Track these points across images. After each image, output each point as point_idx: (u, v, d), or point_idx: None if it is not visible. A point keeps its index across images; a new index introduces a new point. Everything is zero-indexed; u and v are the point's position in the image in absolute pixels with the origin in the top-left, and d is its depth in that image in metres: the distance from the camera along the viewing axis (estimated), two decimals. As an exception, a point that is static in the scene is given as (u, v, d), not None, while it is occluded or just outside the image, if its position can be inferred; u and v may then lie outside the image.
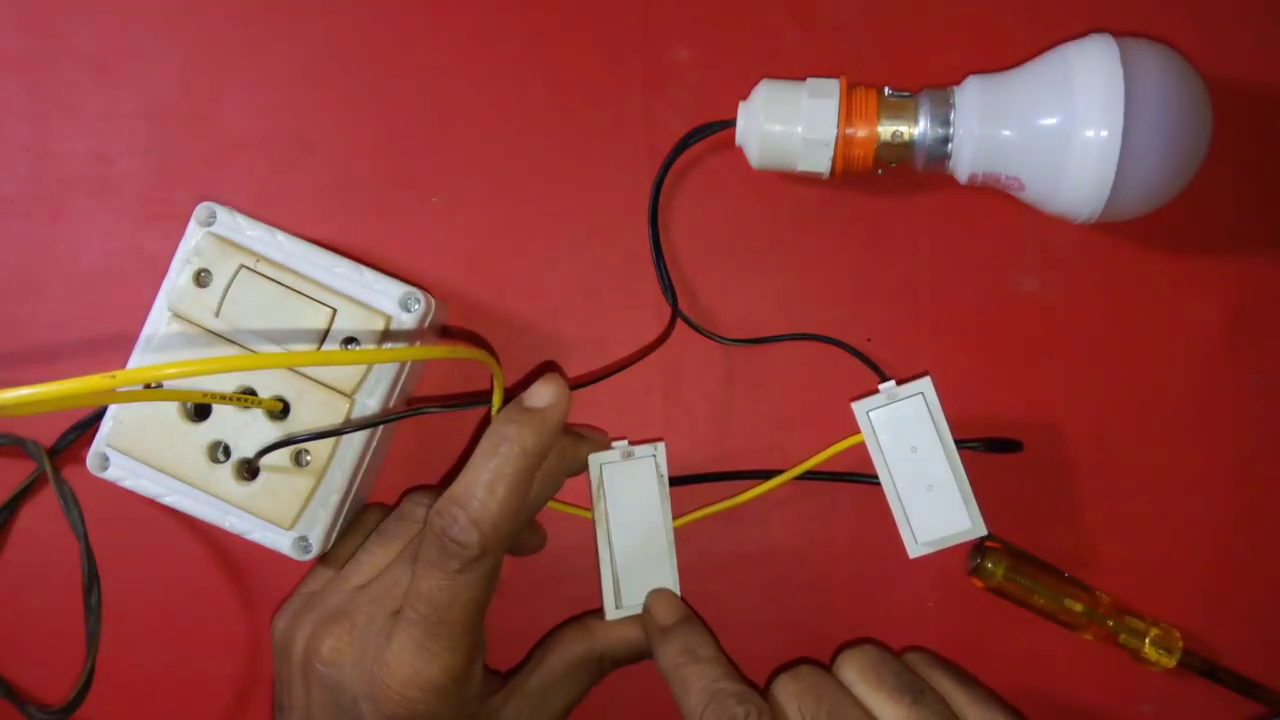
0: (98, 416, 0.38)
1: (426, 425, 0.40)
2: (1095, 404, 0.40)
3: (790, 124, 0.36)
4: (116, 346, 0.39)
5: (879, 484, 0.37)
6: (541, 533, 0.41)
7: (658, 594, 0.38)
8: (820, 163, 0.36)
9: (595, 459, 0.38)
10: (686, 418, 0.41)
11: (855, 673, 0.35)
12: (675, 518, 0.38)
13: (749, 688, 0.34)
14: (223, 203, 0.37)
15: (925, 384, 0.37)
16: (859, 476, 0.39)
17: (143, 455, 0.36)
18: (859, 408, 0.37)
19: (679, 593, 0.38)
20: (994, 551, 0.39)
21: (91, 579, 0.38)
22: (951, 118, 0.36)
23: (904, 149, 0.36)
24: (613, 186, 0.40)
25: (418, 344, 0.37)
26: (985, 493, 0.37)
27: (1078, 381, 0.40)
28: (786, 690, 0.34)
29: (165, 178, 0.41)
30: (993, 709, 0.34)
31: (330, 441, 0.36)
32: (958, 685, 0.35)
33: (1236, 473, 0.40)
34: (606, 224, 0.41)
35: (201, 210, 0.37)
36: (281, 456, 0.36)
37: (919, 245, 0.40)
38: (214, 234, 0.37)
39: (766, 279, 0.40)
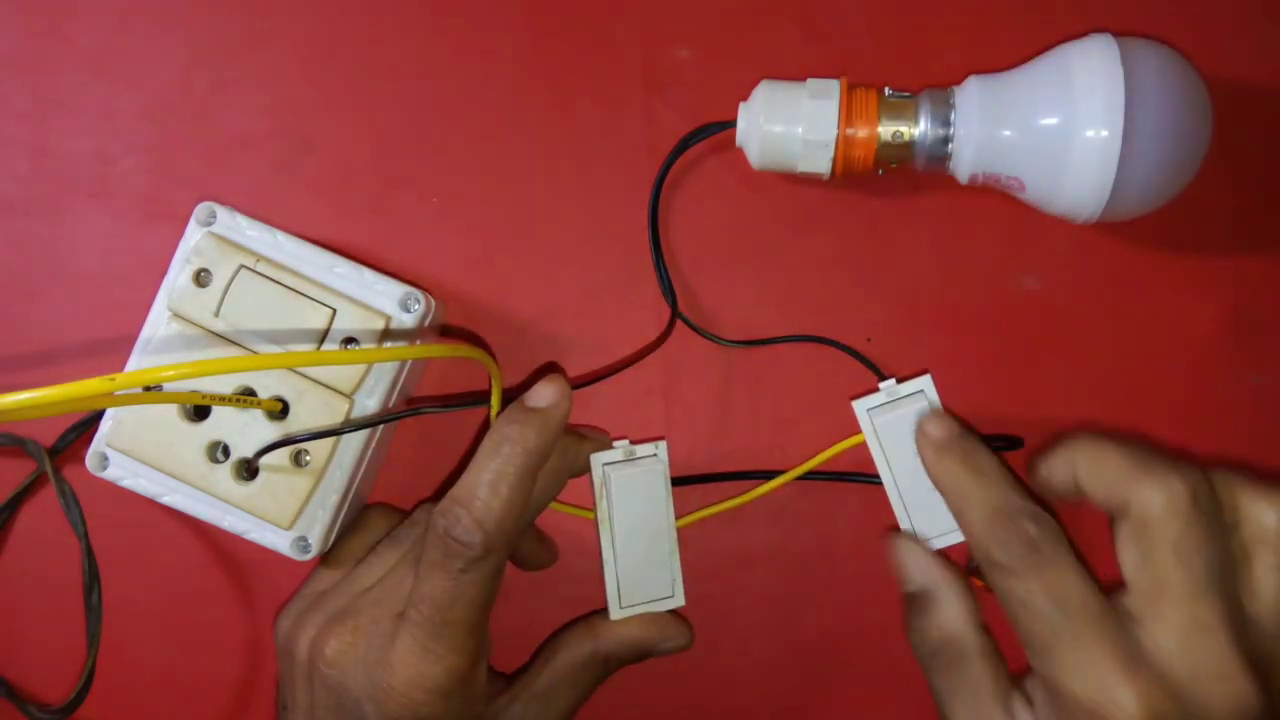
0: (97, 416, 0.38)
1: (426, 425, 0.40)
2: (1095, 404, 0.40)
3: (790, 125, 0.36)
4: (116, 347, 0.39)
5: (880, 483, 0.37)
6: (553, 548, 0.40)
7: (933, 414, 0.36)
8: (820, 164, 0.36)
9: (597, 459, 0.38)
10: (686, 418, 0.40)
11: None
12: (677, 517, 0.38)
13: (1039, 507, 0.32)
14: (223, 203, 0.37)
15: (925, 381, 0.37)
16: (860, 476, 0.39)
17: (142, 455, 0.36)
18: (859, 406, 0.37)
19: (682, 593, 0.38)
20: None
21: (91, 579, 0.38)
22: (952, 118, 0.36)
23: (904, 149, 0.36)
24: (613, 186, 0.40)
25: (417, 344, 0.37)
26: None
27: (1078, 381, 0.40)
28: (1145, 495, 0.30)
29: (165, 178, 0.41)
30: None
31: (329, 441, 0.36)
32: None
33: (1236, 473, 0.40)
34: (606, 224, 0.40)
35: (201, 210, 0.37)
36: (281, 456, 0.36)
37: (919, 246, 0.40)
38: (214, 234, 0.37)
39: (766, 279, 0.40)
